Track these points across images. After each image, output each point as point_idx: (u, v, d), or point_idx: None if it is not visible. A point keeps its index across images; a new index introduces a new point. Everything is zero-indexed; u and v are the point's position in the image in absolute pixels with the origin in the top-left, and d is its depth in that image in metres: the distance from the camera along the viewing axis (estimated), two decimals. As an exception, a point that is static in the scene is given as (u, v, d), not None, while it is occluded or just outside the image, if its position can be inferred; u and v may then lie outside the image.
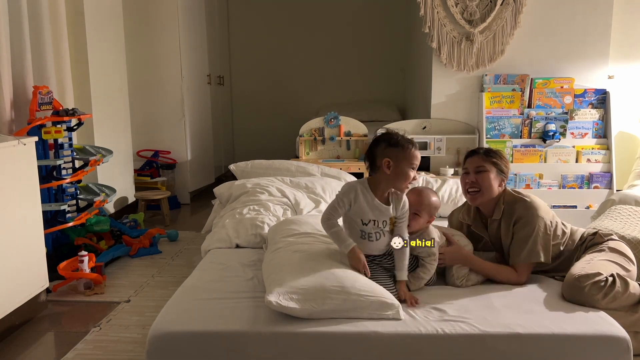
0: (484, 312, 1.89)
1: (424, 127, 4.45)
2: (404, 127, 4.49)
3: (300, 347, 1.78)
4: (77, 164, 3.56)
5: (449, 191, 3.35)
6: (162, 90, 5.19)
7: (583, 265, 2.08)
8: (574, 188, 4.16)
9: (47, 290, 2.95)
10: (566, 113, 4.20)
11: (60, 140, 3.35)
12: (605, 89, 4.23)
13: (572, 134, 4.21)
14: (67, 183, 3.37)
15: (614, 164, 4.13)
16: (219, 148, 6.38)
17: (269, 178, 3.36)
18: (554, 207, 4.08)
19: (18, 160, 2.64)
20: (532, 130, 4.22)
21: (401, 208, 2.07)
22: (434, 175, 3.88)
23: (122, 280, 3.30)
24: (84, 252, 3.11)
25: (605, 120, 4.21)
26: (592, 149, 4.18)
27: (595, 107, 4.22)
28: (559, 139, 4.17)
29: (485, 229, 2.34)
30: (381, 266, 2.08)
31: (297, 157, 4.61)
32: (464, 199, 2.41)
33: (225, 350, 1.79)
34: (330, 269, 1.96)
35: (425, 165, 4.38)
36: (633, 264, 2.20)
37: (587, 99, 4.24)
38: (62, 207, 3.24)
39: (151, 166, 5.18)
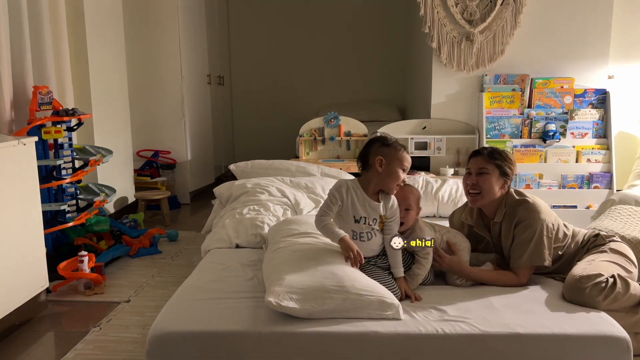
0: (484, 312, 1.89)
1: (424, 127, 4.45)
2: (403, 128, 4.49)
3: (300, 347, 1.78)
4: (77, 164, 3.56)
5: (449, 191, 3.35)
6: (162, 90, 5.19)
7: (584, 266, 2.08)
8: (574, 188, 4.15)
9: (47, 290, 2.95)
10: (566, 113, 4.20)
11: (60, 140, 3.35)
12: (605, 89, 4.23)
13: (572, 134, 4.20)
14: (67, 183, 3.37)
15: (614, 164, 4.13)
16: (219, 148, 6.38)
17: (269, 178, 3.36)
18: (554, 207, 4.08)
19: (18, 160, 2.64)
20: (532, 130, 4.22)
21: (390, 207, 2.12)
22: (434, 175, 3.88)
23: (122, 280, 3.30)
24: (84, 252, 3.11)
25: (605, 120, 4.21)
26: (592, 149, 4.18)
27: (595, 107, 4.22)
28: (559, 139, 4.17)
29: (488, 231, 2.33)
30: (377, 266, 2.10)
31: (297, 157, 4.61)
32: (465, 199, 2.41)
33: (225, 350, 1.79)
34: (330, 268, 1.96)
35: (425, 165, 4.38)
36: (634, 265, 2.19)
37: (587, 99, 4.24)
38: (62, 207, 3.24)
39: (151, 166, 5.18)
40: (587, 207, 4.09)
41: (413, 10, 5.17)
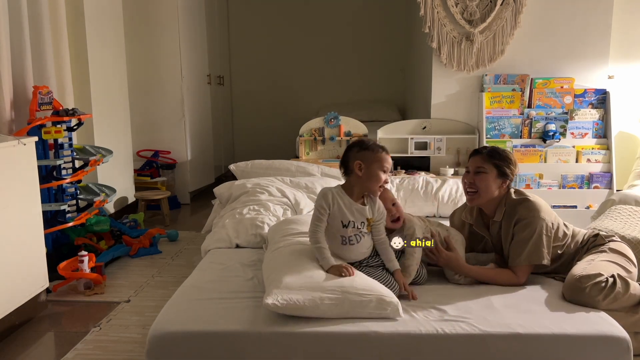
0: (484, 312, 1.89)
1: (424, 127, 4.45)
2: (403, 128, 4.49)
3: (300, 347, 1.78)
4: (77, 164, 3.56)
5: (449, 191, 3.35)
6: (162, 90, 5.19)
7: (584, 266, 2.08)
8: (574, 188, 4.15)
9: (47, 290, 2.95)
10: (566, 113, 4.20)
11: (60, 140, 3.35)
12: (605, 89, 4.23)
13: (572, 134, 4.20)
14: (67, 183, 3.37)
15: (614, 164, 4.13)
16: (219, 148, 6.38)
17: (269, 178, 3.36)
18: (554, 207, 4.07)
19: (18, 160, 2.64)
20: (532, 130, 4.22)
21: (377, 210, 2.12)
22: (434, 175, 3.88)
23: (122, 280, 3.30)
24: (84, 252, 3.11)
25: (605, 120, 4.21)
26: (592, 149, 4.18)
27: (595, 107, 4.22)
28: (559, 139, 4.17)
29: (487, 229, 2.34)
30: (370, 266, 2.11)
31: (297, 157, 4.61)
32: (465, 199, 2.41)
33: (225, 350, 1.79)
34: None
35: (425, 165, 4.38)
36: (634, 265, 2.19)
37: (587, 99, 4.24)
38: (62, 207, 3.24)
39: (151, 166, 5.18)
40: (587, 207, 4.09)
41: (413, 10, 5.17)
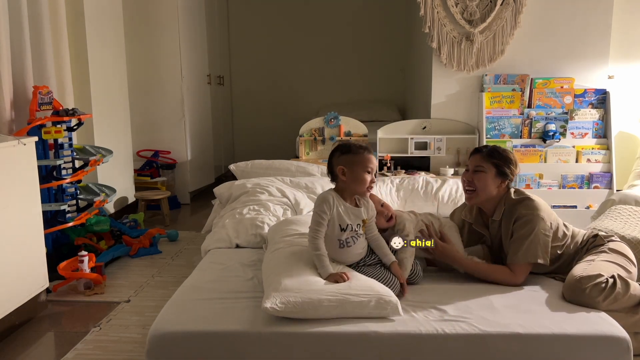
0: (484, 312, 1.89)
1: (424, 127, 4.45)
2: (403, 128, 4.49)
3: (300, 347, 1.78)
4: (77, 164, 3.56)
5: (449, 191, 3.35)
6: (162, 90, 5.19)
7: (584, 267, 2.07)
8: (574, 188, 4.15)
9: (47, 290, 2.95)
10: (566, 113, 4.20)
11: (60, 140, 3.35)
12: (605, 89, 4.23)
13: (572, 134, 4.20)
14: (67, 183, 3.37)
15: (614, 164, 4.13)
16: (219, 148, 6.38)
17: (269, 178, 3.36)
18: (554, 207, 4.07)
19: (18, 160, 2.64)
20: (532, 130, 4.22)
21: (370, 209, 2.14)
22: (434, 175, 3.88)
23: (122, 280, 3.30)
24: (84, 252, 3.11)
25: (605, 120, 4.21)
26: (592, 149, 4.18)
27: (595, 107, 4.22)
28: (559, 139, 4.17)
29: (486, 228, 2.34)
30: (367, 265, 2.11)
31: (297, 157, 4.61)
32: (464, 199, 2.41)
33: (225, 350, 1.79)
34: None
35: (425, 165, 4.38)
36: (634, 265, 2.19)
37: (587, 99, 4.24)
38: (62, 207, 3.24)
39: (151, 166, 5.18)
40: (587, 207, 4.09)
41: (413, 10, 5.17)
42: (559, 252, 2.24)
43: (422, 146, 4.35)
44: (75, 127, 3.51)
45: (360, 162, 2.06)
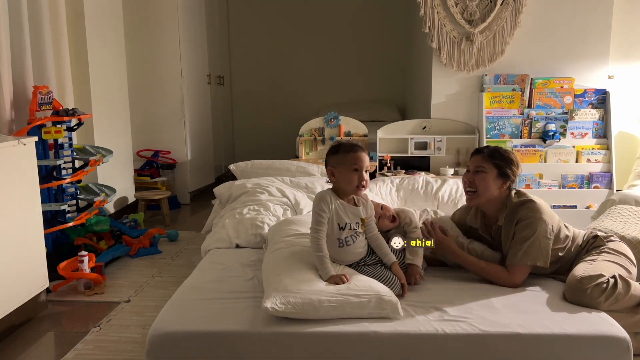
0: (484, 312, 1.89)
1: (424, 127, 4.45)
2: (403, 128, 4.50)
3: (300, 347, 1.78)
4: (77, 164, 3.56)
5: (449, 191, 3.35)
6: (162, 90, 5.19)
7: (586, 267, 2.07)
8: (574, 188, 4.15)
9: (47, 290, 2.95)
10: (566, 113, 4.20)
11: (60, 140, 3.35)
12: (605, 89, 4.23)
13: (572, 134, 4.20)
14: (67, 183, 3.37)
15: (614, 164, 4.13)
16: (219, 148, 6.38)
17: (269, 178, 3.36)
18: (554, 207, 4.08)
19: (18, 160, 2.64)
20: (532, 130, 4.22)
21: (369, 208, 2.15)
22: (434, 175, 3.88)
23: (122, 280, 3.30)
24: (84, 252, 3.11)
25: (605, 120, 4.21)
26: (592, 149, 4.18)
27: (595, 107, 4.22)
28: (559, 139, 4.17)
29: (489, 233, 2.32)
30: (368, 265, 2.12)
31: (297, 157, 4.61)
32: (465, 199, 2.40)
33: (225, 350, 1.79)
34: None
35: (425, 165, 4.38)
36: (634, 265, 2.19)
37: (587, 99, 4.24)
38: (62, 207, 3.24)
39: (151, 166, 5.18)
40: (587, 207, 4.09)
41: (413, 10, 5.17)
42: (560, 254, 2.23)
43: (422, 146, 4.35)
44: (75, 127, 3.51)
45: (346, 161, 2.06)
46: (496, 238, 2.30)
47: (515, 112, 4.24)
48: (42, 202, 2.88)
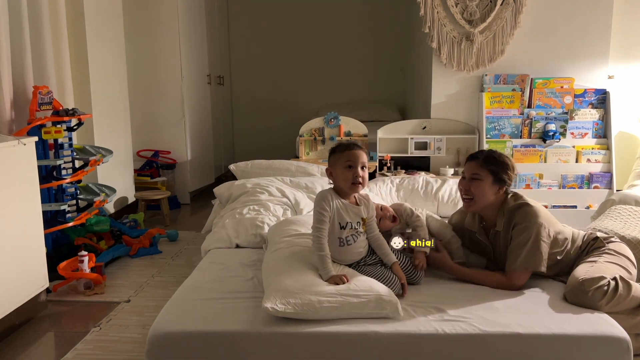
0: (484, 312, 1.89)
1: (424, 127, 4.45)
2: (403, 128, 4.49)
3: (300, 347, 1.78)
4: (77, 164, 3.56)
5: (448, 191, 3.35)
6: (162, 90, 5.19)
7: (586, 269, 2.06)
8: (574, 188, 4.15)
9: (47, 290, 2.95)
10: (566, 113, 4.20)
11: (60, 140, 3.35)
12: (605, 89, 4.23)
13: (572, 134, 4.20)
14: (67, 183, 3.37)
15: (614, 164, 4.13)
16: (219, 148, 6.38)
17: (269, 178, 3.36)
18: (554, 207, 4.08)
19: (18, 160, 2.64)
20: (532, 130, 4.22)
21: (370, 209, 2.16)
22: (434, 175, 3.88)
23: (122, 280, 3.30)
24: (84, 252, 3.11)
25: (605, 120, 4.21)
26: (592, 149, 4.18)
27: (595, 107, 4.22)
28: (559, 139, 4.17)
29: (488, 238, 2.32)
30: (368, 265, 2.12)
31: (297, 157, 4.61)
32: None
33: (225, 350, 1.79)
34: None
35: (425, 165, 4.38)
36: (634, 266, 2.18)
37: (587, 99, 4.24)
38: (62, 207, 3.24)
39: (151, 166, 5.18)
40: (587, 207, 4.09)
41: (413, 10, 5.17)
42: (558, 257, 2.20)
43: (422, 146, 4.35)
44: (75, 127, 3.51)
45: (341, 159, 2.08)
46: (494, 242, 2.29)
47: (515, 112, 4.24)
48: (42, 202, 2.88)
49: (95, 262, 3.19)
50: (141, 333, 2.56)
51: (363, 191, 2.19)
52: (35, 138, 2.85)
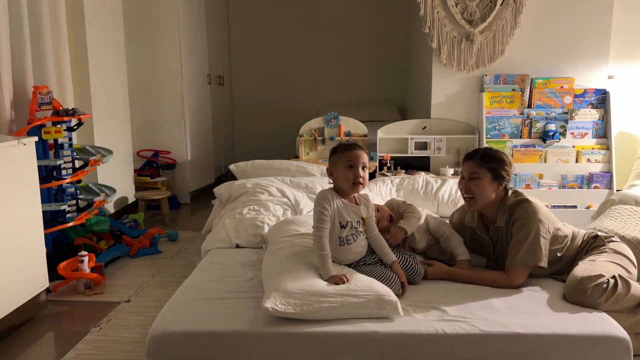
0: (484, 312, 1.89)
1: (424, 127, 4.45)
2: (403, 128, 4.49)
3: (300, 347, 1.78)
4: (77, 164, 3.56)
5: (448, 191, 3.35)
6: (162, 90, 5.19)
7: (586, 267, 2.06)
8: (574, 188, 4.15)
9: (47, 290, 2.95)
10: (566, 113, 4.20)
11: (60, 140, 3.35)
12: (605, 89, 4.23)
13: (572, 134, 4.20)
14: (67, 183, 3.37)
15: (614, 164, 4.13)
16: (219, 148, 6.38)
17: (269, 178, 3.36)
18: (554, 207, 4.08)
19: (18, 160, 2.64)
20: (532, 130, 4.22)
21: (370, 208, 2.17)
22: (434, 175, 3.88)
23: (122, 280, 3.30)
24: (84, 252, 3.11)
25: (605, 120, 4.21)
26: (592, 149, 4.18)
27: (595, 107, 4.22)
28: (559, 139, 4.17)
29: (488, 234, 2.32)
30: (368, 264, 2.12)
31: (297, 157, 4.61)
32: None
33: (225, 350, 1.79)
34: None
35: (425, 165, 4.38)
36: (634, 265, 2.18)
37: (587, 99, 4.24)
38: (62, 207, 3.24)
39: (151, 166, 5.18)
40: (587, 207, 4.09)
41: (413, 10, 5.17)
42: (558, 254, 2.22)
43: (422, 146, 4.35)
44: (75, 127, 3.51)
45: (342, 159, 2.09)
46: (494, 238, 2.30)
47: (515, 112, 4.24)
48: (42, 202, 2.88)
49: (95, 262, 3.19)
50: (141, 333, 2.56)
51: (362, 191, 2.20)
52: (35, 138, 2.85)
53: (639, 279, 2.21)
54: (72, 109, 3.38)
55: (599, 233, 2.31)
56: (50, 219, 3.22)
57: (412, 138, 4.36)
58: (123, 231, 3.85)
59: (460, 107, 4.42)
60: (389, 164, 4.28)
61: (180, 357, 1.79)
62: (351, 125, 4.55)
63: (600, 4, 4.20)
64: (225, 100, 6.73)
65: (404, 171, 4.20)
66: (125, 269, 3.50)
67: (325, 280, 1.95)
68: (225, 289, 2.08)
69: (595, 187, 4.13)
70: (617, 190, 4.00)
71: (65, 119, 3.31)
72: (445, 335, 1.78)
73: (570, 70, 4.29)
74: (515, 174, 4.11)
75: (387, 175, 3.85)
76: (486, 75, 4.31)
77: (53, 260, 3.09)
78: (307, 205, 3.09)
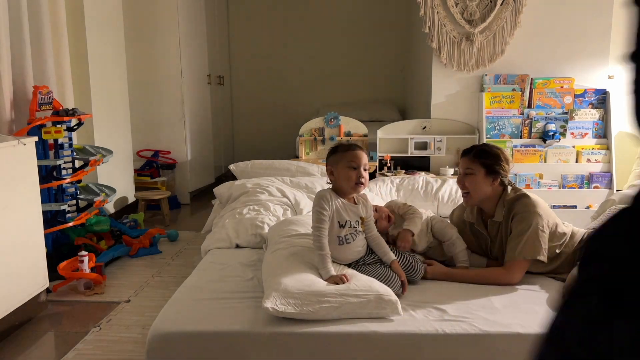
0: (484, 312, 1.89)
1: (424, 127, 4.45)
2: (403, 128, 4.49)
3: (300, 347, 1.78)
4: (77, 164, 3.56)
5: (448, 191, 3.35)
6: (162, 90, 5.19)
7: None
8: (574, 188, 4.15)
9: (47, 290, 2.95)
10: (566, 113, 4.20)
11: (60, 140, 3.35)
12: (605, 89, 4.23)
13: (572, 134, 4.20)
14: (67, 183, 3.37)
15: (614, 164, 4.13)
16: (219, 148, 6.37)
17: (269, 178, 3.36)
18: (554, 207, 4.08)
19: (18, 160, 2.64)
20: (532, 130, 4.22)
21: (369, 208, 2.18)
22: (434, 175, 3.88)
23: (122, 280, 3.30)
24: (84, 252, 3.11)
25: (605, 120, 4.21)
26: (592, 149, 4.18)
27: (595, 107, 4.22)
28: (559, 139, 4.17)
29: (486, 228, 2.33)
30: (367, 264, 2.12)
31: (297, 157, 4.61)
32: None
33: (225, 350, 1.79)
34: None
35: (425, 165, 4.38)
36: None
37: (587, 99, 4.23)
38: (62, 207, 3.24)
39: (151, 166, 5.18)
40: (587, 207, 4.09)
41: (413, 10, 5.17)
42: (557, 251, 2.22)
43: (422, 146, 4.35)
44: (75, 127, 3.51)
45: (343, 159, 2.09)
46: (492, 234, 2.31)
47: (515, 112, 4.24)
48: (42, 202, 2.88)
49: (95, 262, 3.19)
50: (141, 333, 2.56)
51: (362, 191, 2.20)
52: (35, 138, 2.85)
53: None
54: (72, 109, 3.38)
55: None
56: (50, 219, 3.22)
57: (412, 138, 4.36)
58: (123, 231, 3.85)
59: (460, 107, 4.42)
60: (389, 164, 4.28)
61: (180, 357, 1.79)
62: (351, 125, 4.55)
63: (600, 4, 4.19)
64: (225, 100, 6.73)
65: (404, 171, 4.20)
66: (125, 269, 3.50)
67: (325, 280, 1.95)
68: (225, 289, 2.08)
69: (595, 187, 4.13)
70: (617, 190, 4.00)
71: (65, 119, 3.31)
72: (445, 335, 1.78)
73: (570, 70, 4.29)
74: (515, 174, 4.11)
75: (387, 175, 3.85)
76: (486, 75, 4.31)
77: (53, 260, 3.09)
78: (307, 205, 3.09)
